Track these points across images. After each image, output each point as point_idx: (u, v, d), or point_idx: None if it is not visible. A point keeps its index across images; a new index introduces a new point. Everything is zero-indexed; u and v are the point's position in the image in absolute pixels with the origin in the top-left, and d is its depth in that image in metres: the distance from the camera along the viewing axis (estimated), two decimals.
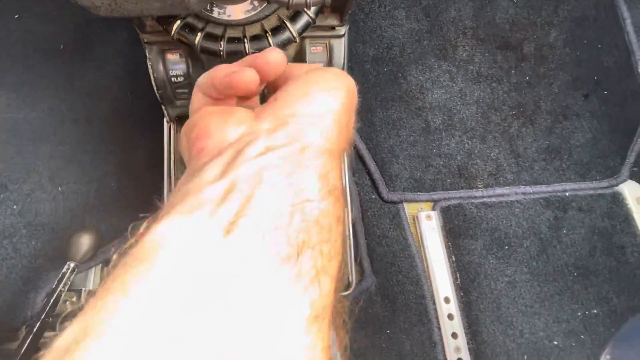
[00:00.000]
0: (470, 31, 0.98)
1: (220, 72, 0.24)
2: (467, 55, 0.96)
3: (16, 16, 0.89)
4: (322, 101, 0.23)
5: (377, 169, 0.82)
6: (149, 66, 0.53)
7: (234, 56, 0.45)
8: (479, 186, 0.86)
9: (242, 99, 0.27)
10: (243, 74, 0.23)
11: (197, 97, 0.26)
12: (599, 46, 0.98)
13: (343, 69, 0.57)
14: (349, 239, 0.66)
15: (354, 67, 0.91)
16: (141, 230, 0.18)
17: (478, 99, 0.93)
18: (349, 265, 0.65)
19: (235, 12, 0.43)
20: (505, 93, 0.94)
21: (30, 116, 0.82)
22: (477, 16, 0.99)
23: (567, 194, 0.86)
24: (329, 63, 0.55)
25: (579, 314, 0.77)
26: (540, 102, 0.94)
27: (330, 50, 0.54)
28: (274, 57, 0.24)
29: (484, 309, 0.77)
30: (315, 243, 0.18)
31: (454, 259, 0.79)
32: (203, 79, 0.26)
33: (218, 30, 0.45)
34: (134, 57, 0.86)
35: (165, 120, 0.62)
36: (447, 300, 0.77)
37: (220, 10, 0.43)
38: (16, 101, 0.83)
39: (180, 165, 0.64)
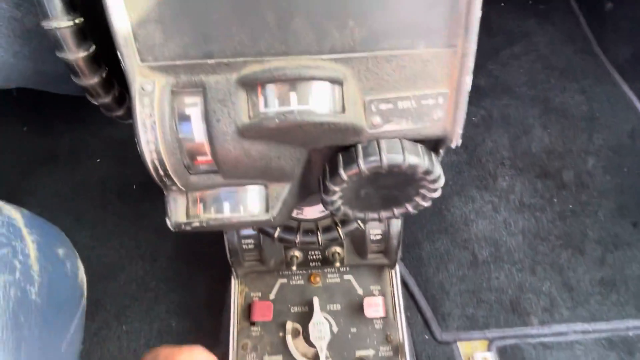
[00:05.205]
0: (508, 161, 1.03)
1: None
2: (507, 185, 0.99)
3: (98, 160, 1.02)
4: None
5: (428, 307, 0.83)
6: (225, 239, 0.59)
7: (308, 245, 0.50)
8: (534, 323, 0.84)
9: None
10: None
11: None
12: None
13: (399, 241, 0.61)
14: None
15: None
16: None
17: (523, 229, 0.94)
18: None
19: (311, 212, 0.49)
20: (550, 222, 0.95)
21: (101, 254, 0.90)
22: (513, 146, 1.05)
23: (630, 333, 0.82)
24: (388, 233, 0.60)
25: None
26: (587, 231, 0.94)
27: (388, 224, 0.59)
28: None
29: None
30: None
31: None
32: None
33: (293, 223, 0.50)
34: None
35: (232, 277, 0.67)
36: None
37: (297, 211, 0.49)
38: (91, 239, 0.92)
39: (242, 319, 0.67)
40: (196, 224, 0.35)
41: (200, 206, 0.36)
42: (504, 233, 0.94)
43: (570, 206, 0.97)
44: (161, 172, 0.32)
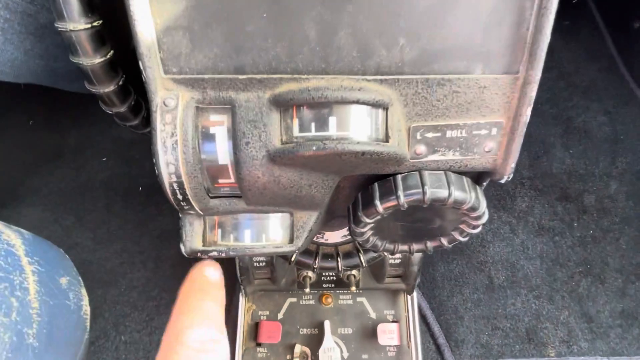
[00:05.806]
0: (528, 181, 0.99)
1: None
2: (526, 206, 0.96)
3: (104, 159, 0.99)
4: None
5: (441, 332, 0.79)
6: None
7: (326, 270, 0.47)
8: (551, 354, 0.80)
9: None
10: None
11: None
12: None
13: (419, 267, 0.58)
14: None
15: None
16: None
17: (541, 253, 0.91)
18: None
19: (333, 237, 0.45)
20: (570, 247, 0.91)
21: (102, 257, 0.87)
22: (533, 166, 1.01)
23: None
24: (408, 258, 0.56)
25: None
26: (608, 259, 0.90)
27: None
28: None
29: None
30: None
31: None
32: None
33: (311, 247, 0.47)
34: None
35: (240, 294, 0.63)
36: None
37: (318, 235, 0.45)
38: (93, 241, 0.88)
39: (248, 339, 0.63)
40: (214, 253, 0.32)
41: (218, 232, 0.33)
42: (521, 257, 0.90)
43: (591, 232, 0.93)
44: (179, 196, 0.29)
